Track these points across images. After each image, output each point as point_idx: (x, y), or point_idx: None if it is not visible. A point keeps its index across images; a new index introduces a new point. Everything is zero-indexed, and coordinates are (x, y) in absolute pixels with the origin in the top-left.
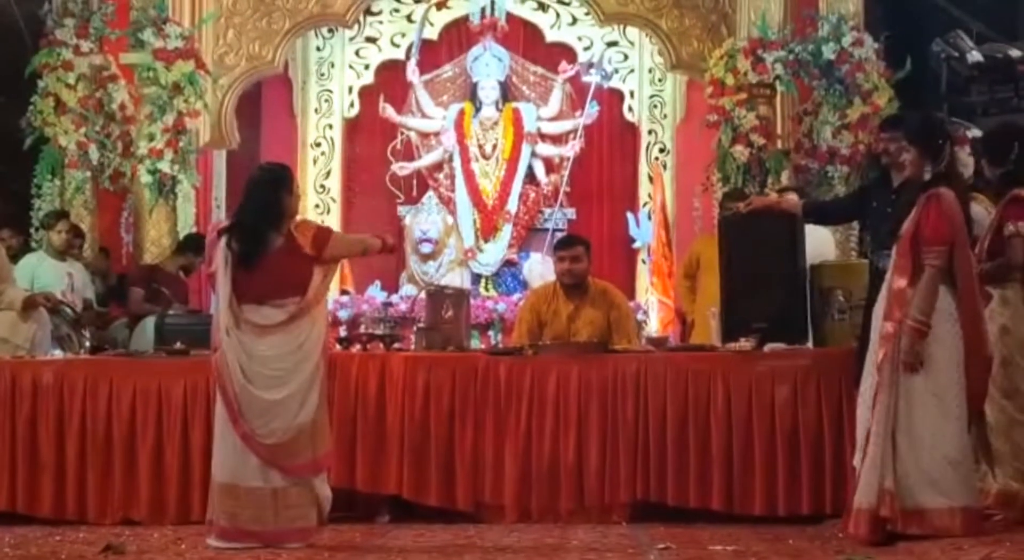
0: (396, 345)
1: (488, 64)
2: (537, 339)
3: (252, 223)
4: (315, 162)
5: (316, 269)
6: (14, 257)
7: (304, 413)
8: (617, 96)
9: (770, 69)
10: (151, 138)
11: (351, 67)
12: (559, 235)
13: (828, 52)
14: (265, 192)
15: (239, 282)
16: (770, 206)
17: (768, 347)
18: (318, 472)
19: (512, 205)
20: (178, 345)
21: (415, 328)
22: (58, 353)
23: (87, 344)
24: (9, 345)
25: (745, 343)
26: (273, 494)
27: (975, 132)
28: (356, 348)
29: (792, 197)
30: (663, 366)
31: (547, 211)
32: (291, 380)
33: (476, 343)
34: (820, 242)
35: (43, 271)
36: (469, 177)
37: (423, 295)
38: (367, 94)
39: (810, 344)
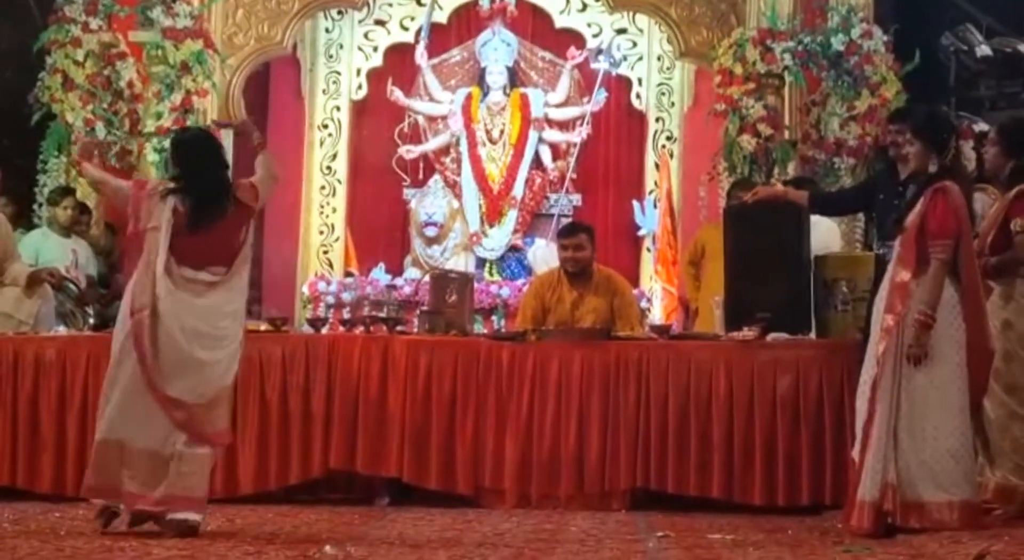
0: (399, 328)
1: (497, 49)
2: (540, 325)
3: (215, 189)
4: (322, 144)
5: (245, 227)
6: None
7: (228, 377)
8: (625, 83)
9: (779, 59)
10: (159, 116)
11: (360, 49)
12: (564, 221)
13: (837, 43)
14: (219, 157)
15: (180, 245)
16: (776, 196)
17: (771, 337)
18: (225, 442)
19: (518, 190)
20: None
21: (418, 311)
22: (62, 329)
23: (91, 321)
24: (13, 321)
25: (748, 332)
26: (170, 459)
27: (981, 126)
28: (359, 330)
29: (798, 191)
30: (665, 354)
31: (553, 197)
32: (228, 340)
33: (479, 328)
34: (826, 233)
35: (48, 247)
36: (475, 161)
37: (427, 279)
38: (375, 76)
39: (813, 335)
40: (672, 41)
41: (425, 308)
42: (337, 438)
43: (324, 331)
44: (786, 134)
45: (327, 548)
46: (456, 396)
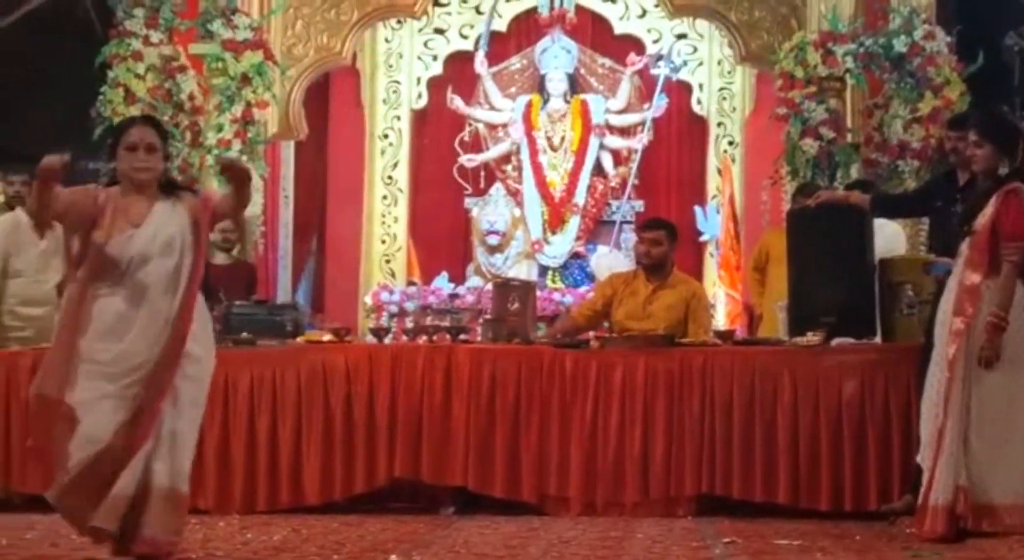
0: (462, 337)
1: (556, 56)
2: (600, 315)
3: None
4: (383, 153)
5: None
6: None
7: None
8: (686, 88)
9: (840, 62)
10: (219, 128)
11: (419, 58)
12: (627, 228)
13: (899, 45)
14: None
15: None
16: (838, 200)
17: (836, 341)
18: None
19: (580, 197)
20: (244, 335)
21: (481, 320)
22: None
23: None
24: None
25: (813, 337)
26: None
27: None
28: (422, 339)
29: (859, 193)
30: (729, 359)
31: (615, 203)
32: None
33: (543, 334)
34: (890, 236)
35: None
36: (537, 169)
37: (489, 287)
38: (435, 85)
39: (878, 339)
40: (733, 45)
41: (488, 316)
42: (402, 447)
43: (387, 341)
44: (848, 137)
45: (392, 558)
46: (520, 404)
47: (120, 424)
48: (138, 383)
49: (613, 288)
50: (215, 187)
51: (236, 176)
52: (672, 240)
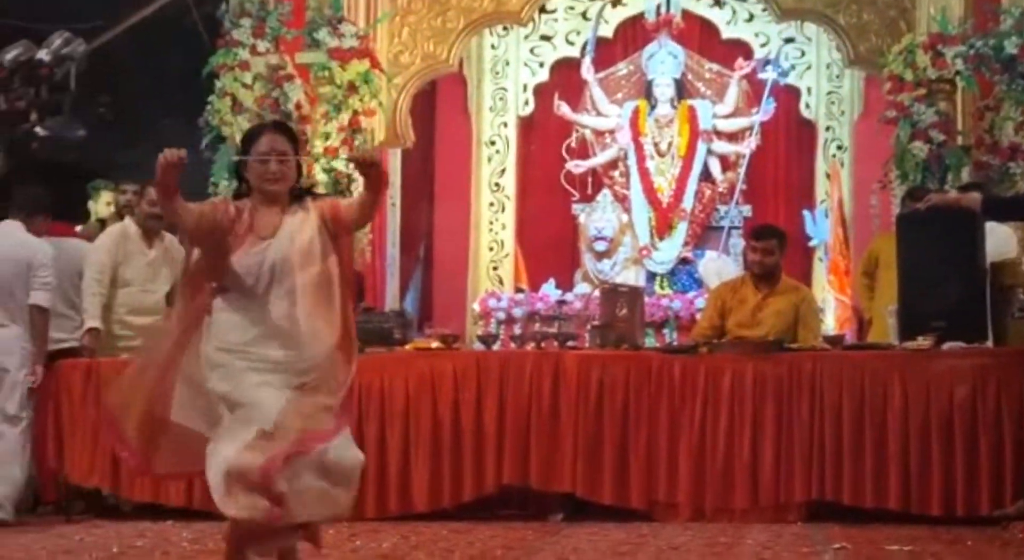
0: (570, 343)
1: (663, 61)
2: (717, 330)
3: None
4: (489, 160)
5: None
6: None
7: None
8: (794, 93)
9: (950, 64)
10: (326, 137)
11: (526, 65)
12: (735, 233)
13: (1011, 46)
14: None
15: None
16: (949, 203)
17: (947, 346)
18: None
19: (687, 203)
20: None
21: (589, 326)
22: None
23: None
24: None
25: (923, 341)
26: None
27: None
28: (530, 346)
29: (974, 195)
30: (839, 364)
31: (723, 209)
32: None
33: (651, 341)
34: (1002, 239)
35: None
36: (644, 175)
37: (597, 293)
38: (542, 92)
39: (990, 343)
40: (841, 49)
41: (596, 322)
42: (510, 454)
43: (495, 348)
44: (959, 140)
45: None
46: (628, 410)
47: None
48: (305, 382)
49: (722, 298)
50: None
51: (361, 164)
52: (783, 248)
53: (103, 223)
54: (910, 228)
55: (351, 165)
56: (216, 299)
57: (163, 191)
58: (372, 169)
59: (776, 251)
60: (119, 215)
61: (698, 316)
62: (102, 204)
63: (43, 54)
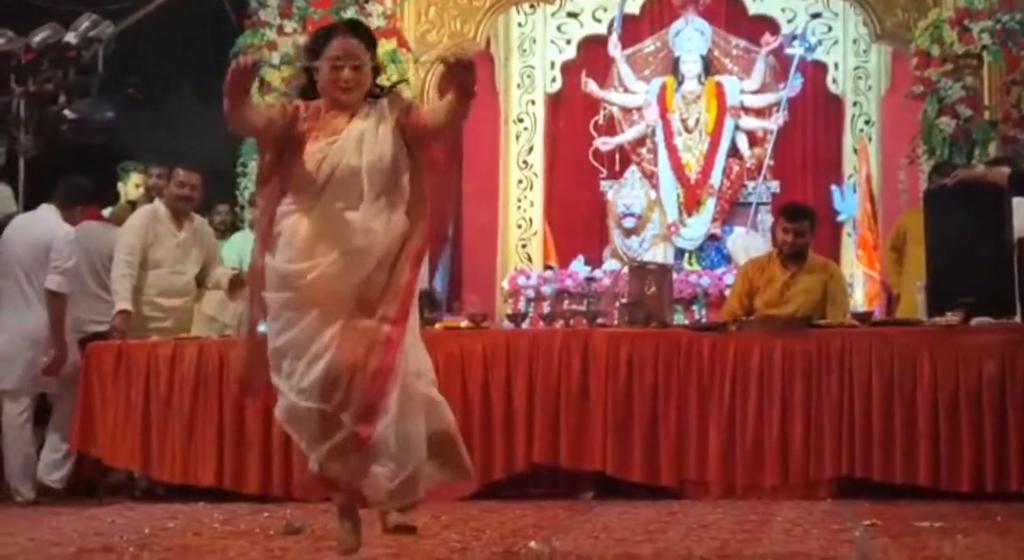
0: (599, 320)
1: (690, 38)
2: (747, 308)
3: None
4: (517, 138)
5: None
6: (224, 233)
7: None
8: (821, 68)
9: (976, 39)
10: None
11: (553, 42)
12: (763, 209)
13: None
14: None
15: None
16: (976, 178)
17: (975, 321)
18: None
19: (715, 179)
20: None
21: (618, 304)
22: (262, 327)
23: None
24: (217, 323)
25: (952, 317)
26: None
27: None
28: (559, 324)
29: (1002, 169)
30: (868, 341)
31: (751, 184)
32: None
33: (680, 318)
34: None
35: (250, 249)
36: (672, 151)
37: (626, 270)
38: (569, 69)
39: (1018, 318)
40: (868, 23)
41: (624, 300)
42: (540, 433)
43: (524, 326)
44: (986, 115)
45: (532, 544)
46: (658, 388)
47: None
48: (362, 307)
49: (750, 277)
50: None
51: (452, 66)
52: (814, 228)
53: (133, 205)
54: (938, 204)
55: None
56: (281, 205)
57: (234, 95)
58: (464, 72)
59: (807, 232)
60: (148, 197)
61: (727, 292)
62: (131, 186)
63: (71, 37)
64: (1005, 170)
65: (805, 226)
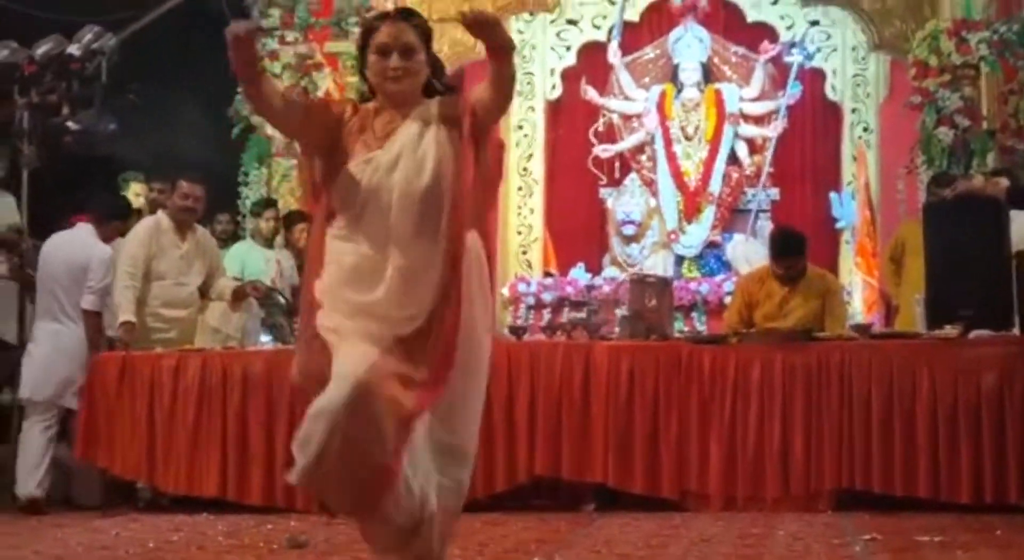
0: (601, 332)
1: (689, 45)
2: (746, 323)
3: None
4: (517, 145)
5: None
6: (224, 242)
7: None
8: (819, 75)
9: (974, 50)
10: None
11: (553, 49)
12: (763, 216)
13: None
14: None
15: None
16: (975, 192)
17: (974, 334)
18: None
19: (715, 186)
20: None
21: (619, 316)
22: (265, 339)
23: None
24: (220, 335)
25: (951, 330)
26: None
27: None
28: (560, 336)
29: (1001, 182)
30: (868, 353)
31: (750, 192)
32: None
33: (679, 325)
34: None
35: (252, 259)
36: (671, 159)
37: (626, 278)
38: (569, 76)
39: (1016, 331)
40: (866, 32)
41: (625, 313)
42: (542, 445)
43: (525, 338)
44: (984, 124)
45: None
46: (659, 400)
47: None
48: (404, 339)
49: (748, 291)
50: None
51: (476, 27)
52: (806, 252)
53: (139, 213)
54: (936, 216)
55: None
56: (332, 228)
57: (241, 70)
58: (487, 28)
59: (800, 264)
60: (151, 209)
61: (726, 300)
62: (132, 195)
63: (74, 48)
64: (1004, 182)
65: (794, 260)
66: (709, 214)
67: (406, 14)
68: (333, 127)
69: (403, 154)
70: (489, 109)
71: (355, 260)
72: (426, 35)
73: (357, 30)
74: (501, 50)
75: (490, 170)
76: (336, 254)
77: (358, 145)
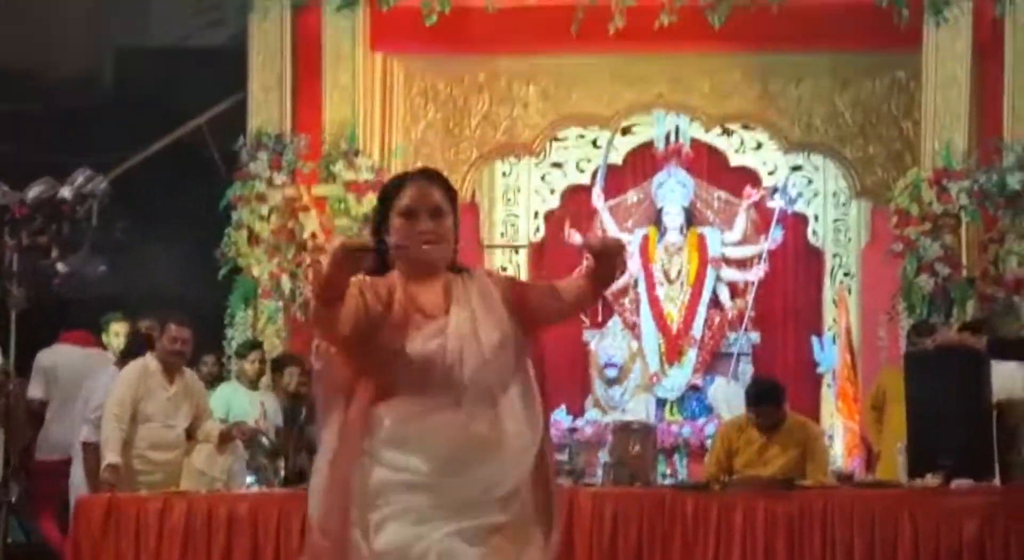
0: (583, 477)
1: (673, 190)
2: (726, 471)
3: None
4: None
5: None
6: (210, 383)
7: None
8: (801, 220)
9: (955, 199)
10: None
11: (537, 192)
12: (744, 359)
13: (1013, 182)
14: None
15: None
16: (956, 342)
17: (955, 484)
18: None
19: (697, 330)
20: None
21: (601, 462)
22: (250, 479)
23: (282, 474)
24: (206, 478)
25: (932, 479)
26: None
27: None
28: None
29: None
30: (850, 502)
31: (732, 335)
32: None
33: (662, 468)
34: (1007, 377)
35: (237, 401)
36: (654, 302)
37: (608, 420)
38: (552, 219)
39: (997, 481)
40: (847, 179)
41: (608, 459)
42: None
43: None
44: (964, 272)
45: None
46: (642, 546)
47: None
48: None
49: (728, 439)
50: None
51: (600, 252)
52: (784, 400)
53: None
54: (918, 366)
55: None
56: (378, 408)
57: (328, 294)
58: (610, 260)
59: (775, 413)
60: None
61: (707, 443)
62: (112, 335)
63: (65, 191)
64: (981, 338)
65: (770, 409)
66: (691, 357)
67: (430, 174)
68: (377, 311)
69: (478, 315)
70: (549, 316)
71: (434, 439)
72: (453, 196)
73: (344, 174)
74: (608, 281)
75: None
76: (397, 440)
77: (412, 317)
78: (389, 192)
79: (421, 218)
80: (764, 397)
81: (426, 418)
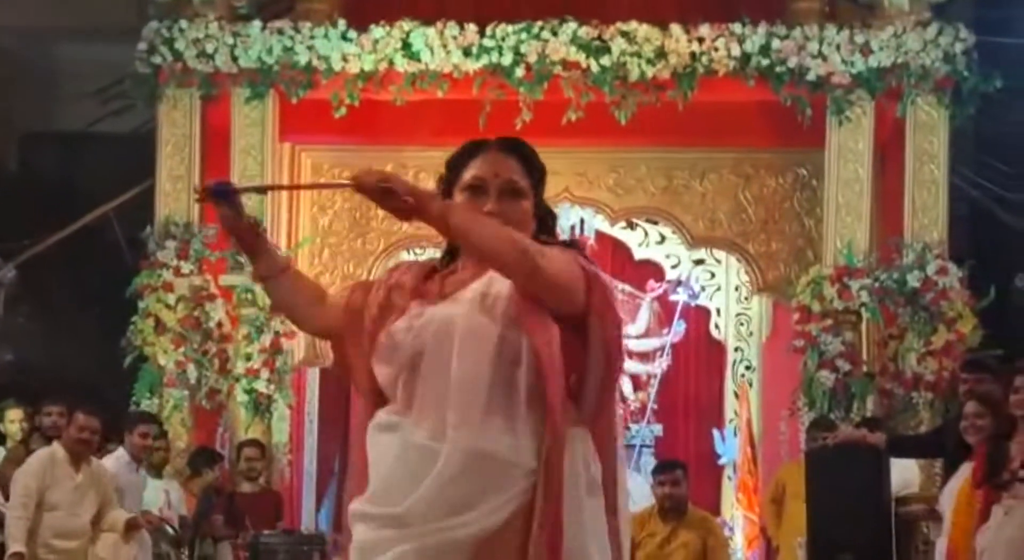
0: None
1: None
2: None
3: None
4: None
5: None
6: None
7: None
8: (704, 313)
9: (856, 296)
10: (248, 358)
11: None
12: (646, 451)
13: (913, 280)
14: None
15: None
16: (856, 440)
17: None
18: None
19: None
20: None
21: None
22: None
23: None
24: None
25: None
26: None
27: None
28: None
29: (879, 434)
30: None
31: (634, 427)
32: None
33: None
34: (905, 471)
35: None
36: None
37: None
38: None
39: None
40: (750, 274)
41: None
42: None
43: None
44: (864, 368)
45: None
46: None
47: None
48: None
49: (630, 533)
50: (242, 415)
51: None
52: (687, 477)
53: (22, 443)
54: (818, 463)
55: (271, 385)
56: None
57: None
58: (378, 195)
59: (682, 482)
60: (46, 439)
61: None
62: (8, 423)
63: None
64: (880, 435)
65: (678, 475)
66: None
67: (511, 144)
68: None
69: (482, 297)
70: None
71: (386, 455)
72: (537, 174)
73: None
74: (400, 216)
75: (604, 349)
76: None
77: (400, 301)
78: (457, 161)
79: (489, 196)
80: (670, 463)
81: (377, 434)
